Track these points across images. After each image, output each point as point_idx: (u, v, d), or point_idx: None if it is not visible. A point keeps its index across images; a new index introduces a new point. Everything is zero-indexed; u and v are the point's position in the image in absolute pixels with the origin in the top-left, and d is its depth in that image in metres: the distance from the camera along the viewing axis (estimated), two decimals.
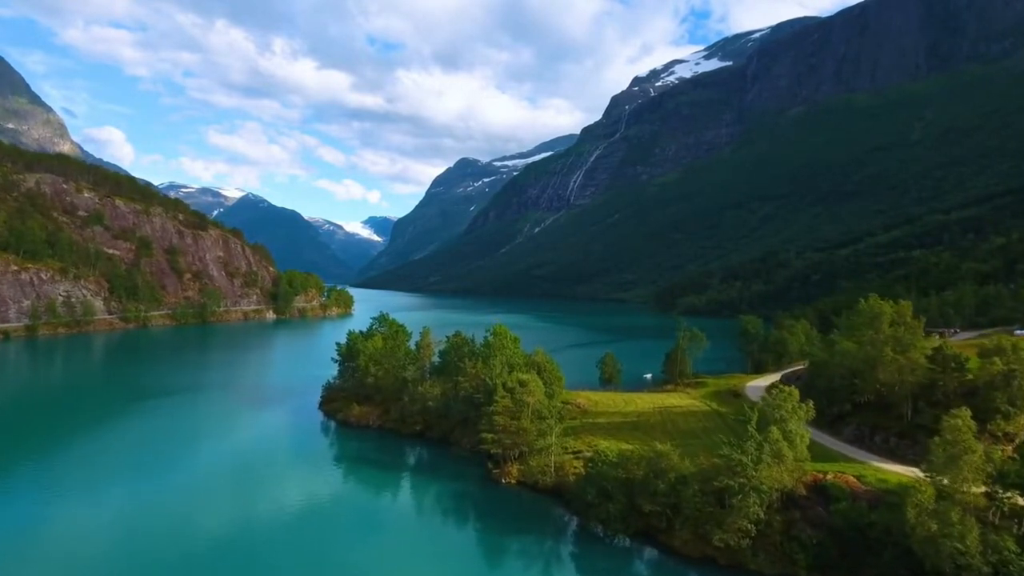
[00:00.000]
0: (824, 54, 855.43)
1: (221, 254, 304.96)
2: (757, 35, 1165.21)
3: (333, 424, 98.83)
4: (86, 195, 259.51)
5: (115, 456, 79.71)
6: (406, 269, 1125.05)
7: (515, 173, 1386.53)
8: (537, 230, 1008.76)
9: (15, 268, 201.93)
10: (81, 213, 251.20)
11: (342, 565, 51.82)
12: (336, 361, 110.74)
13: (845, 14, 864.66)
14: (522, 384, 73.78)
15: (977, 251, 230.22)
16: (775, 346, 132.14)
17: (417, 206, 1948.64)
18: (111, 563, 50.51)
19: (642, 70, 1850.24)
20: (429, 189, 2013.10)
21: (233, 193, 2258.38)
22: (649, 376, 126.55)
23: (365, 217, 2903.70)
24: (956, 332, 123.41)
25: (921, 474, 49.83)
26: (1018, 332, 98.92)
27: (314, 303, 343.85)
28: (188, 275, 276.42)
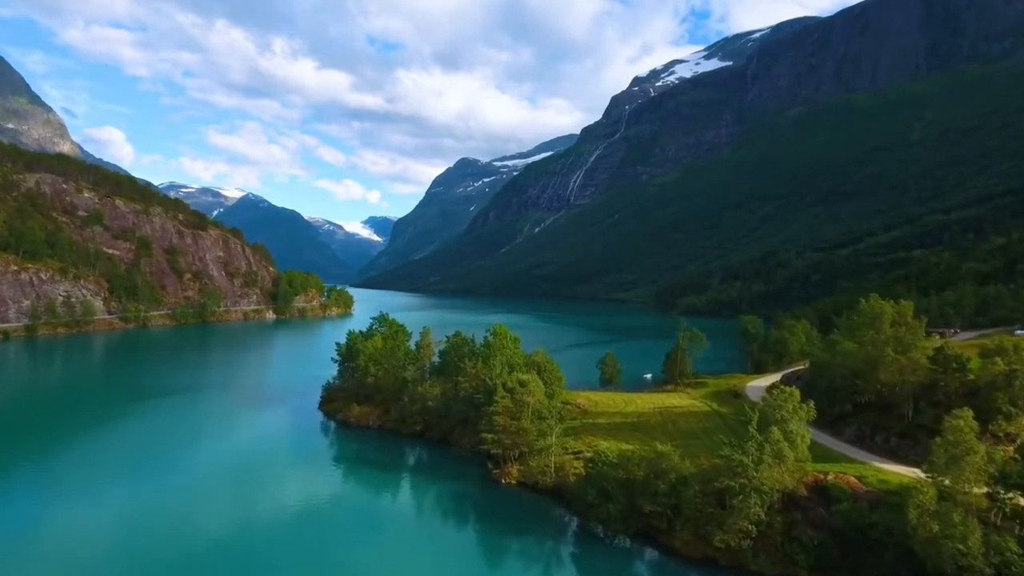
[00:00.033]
0: (824, 54, 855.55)
1: (221, 254, 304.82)
2: (757, 35, 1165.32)
3: (333, 424, 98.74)
4: (86, 195, 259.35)
5: (115, 456, 79.63)
6: (406, 269, 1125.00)
7: (515, 173, 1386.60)
8: (537, 230, 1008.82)
9: (15, 268, 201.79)
10: (81, 213, 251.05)
11: (342, 565, 51.74)
12: (336, 361, 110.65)
13: (845, 14, 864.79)
14: (522, 384, 73.70)
15: (977, 251, 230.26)
16: (775, 346, 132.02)
17: (417, 206, 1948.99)
18: (111, 563, 50.43)
19: (642, 70, 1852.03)
20: (429, 189, 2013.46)
21: (233, 193, 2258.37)
22: (649, 376, 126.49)
23: (365, 217, 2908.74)
24: (957, 332, 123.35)
25: (922, 475, 49.69)
26: (1019, 332, 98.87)
27: (314, 303, 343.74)
28: (188, 275, 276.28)
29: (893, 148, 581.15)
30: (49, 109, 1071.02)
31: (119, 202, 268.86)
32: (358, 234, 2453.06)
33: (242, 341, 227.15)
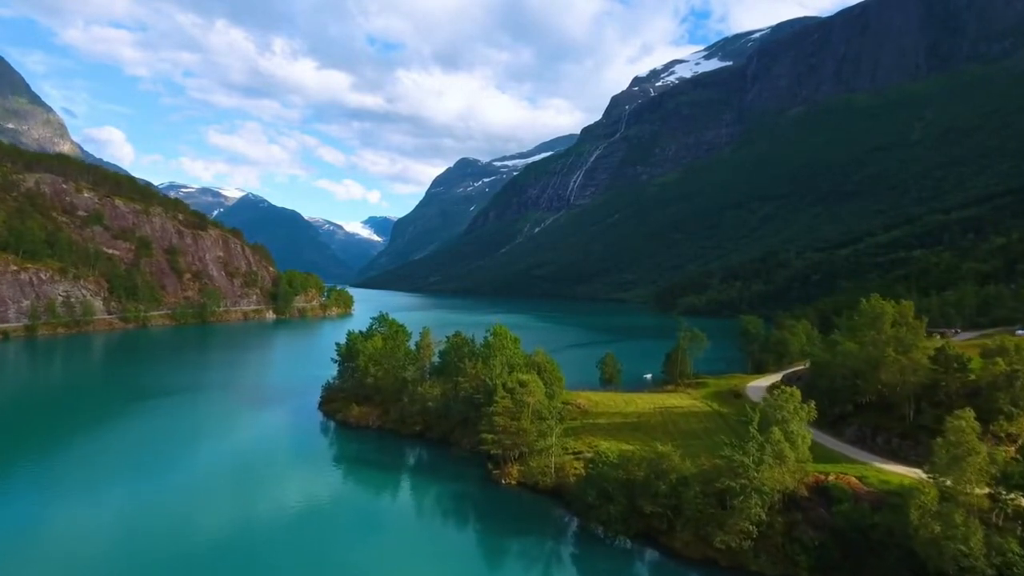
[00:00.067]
0: (824, 54, 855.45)
1: (221, 254, 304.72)
2: (757, 35, 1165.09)
3: (333, 424, 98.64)
4: (86, 195, 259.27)
5: (115, 456, 79.55)
6: (406, 269, 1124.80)
7: (515, 173, 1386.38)
8: (537, 230, 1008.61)
9: (15, 268, 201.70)
10: (81, 213, 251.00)
11: (342, 565, 51.66)
12: (336, 361, 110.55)
13: (845, 14, 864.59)
14: (522, 384, 73.59)
15: (977, 251, 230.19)
16: (776, 346, 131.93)
17: (417, 206, 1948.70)
18: (111, 563, 50.35)
19: (642, 70, 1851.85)
20: (429, 189, 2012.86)
21: (233, 193, 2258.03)
22: (649, 376, 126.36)
23: (365, 217, 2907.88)
24: (957, 332, 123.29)
25: (924, 475, 49.66)
26: (1019, 332, 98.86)
27: (314, 303, 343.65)
28: (188, 275, 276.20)
29: (893, 148, 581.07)
30: (49, 109, 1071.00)
31: (119, 202, 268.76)
32: (358, 234, 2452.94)
33: (242, 341, 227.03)
